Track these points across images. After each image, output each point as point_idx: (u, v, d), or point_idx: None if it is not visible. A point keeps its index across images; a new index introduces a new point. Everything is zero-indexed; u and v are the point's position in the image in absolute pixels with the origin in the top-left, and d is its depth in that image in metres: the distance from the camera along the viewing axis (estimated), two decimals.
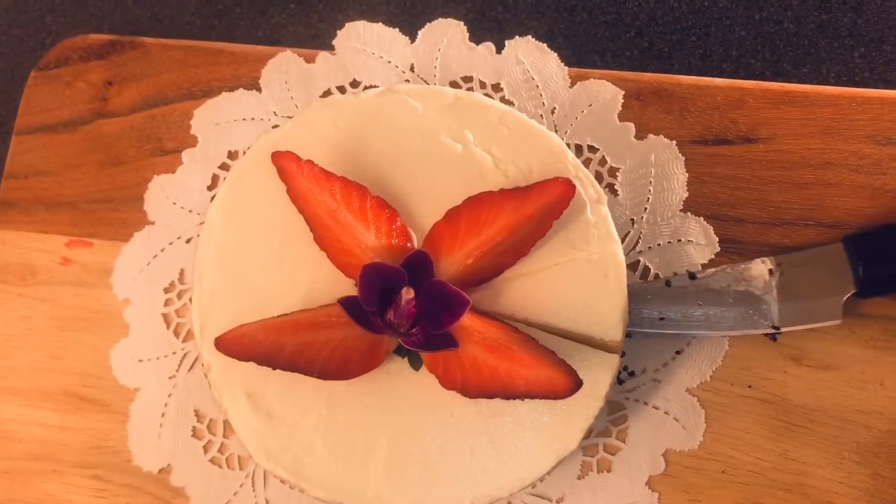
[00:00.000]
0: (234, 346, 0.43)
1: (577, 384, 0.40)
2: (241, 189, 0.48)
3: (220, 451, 0.51)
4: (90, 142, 0.57)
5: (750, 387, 0.50)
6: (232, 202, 0.47)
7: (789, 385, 0.49)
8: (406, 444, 0.44)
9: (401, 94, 0.48)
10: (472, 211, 0.43)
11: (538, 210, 0.43)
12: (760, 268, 0.49)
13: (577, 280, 0.45)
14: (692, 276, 0.49)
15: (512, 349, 0.41)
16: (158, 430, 0.52)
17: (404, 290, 0.42)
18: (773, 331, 0.48)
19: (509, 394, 0.41)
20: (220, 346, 0.43)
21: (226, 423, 0.49)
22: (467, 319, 0.43)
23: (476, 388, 0.42)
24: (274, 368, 0.43)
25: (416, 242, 0.45)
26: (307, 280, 0.46)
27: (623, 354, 0.49)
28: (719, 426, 0.49)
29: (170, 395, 0.52)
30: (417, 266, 0.43)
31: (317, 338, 0.43)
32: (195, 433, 0.52)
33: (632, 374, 0.50)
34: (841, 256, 0.48)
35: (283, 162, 0.44)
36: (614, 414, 0.50)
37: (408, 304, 0.42)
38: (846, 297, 0.48)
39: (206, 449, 0.51)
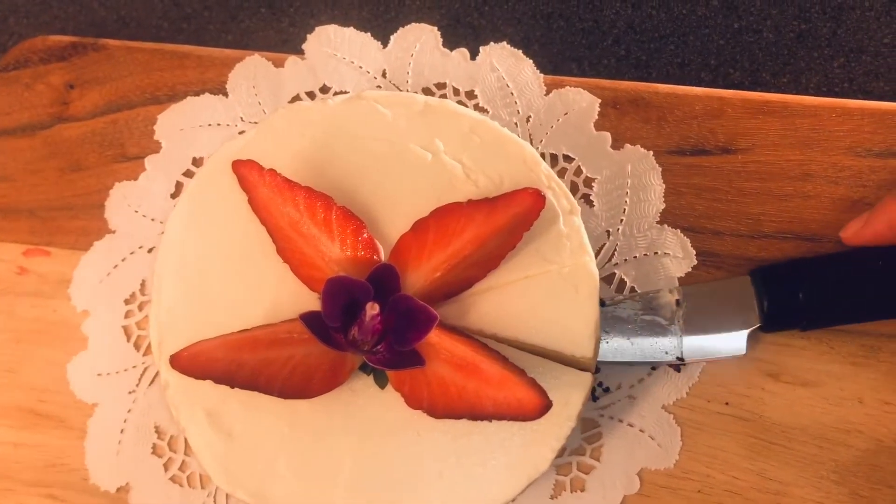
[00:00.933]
0: (191, 364, 0.41)
1: (546, 405, 0.39)
2: (202, 198, 0.46)
3: (180, 469, 0.50)
4: (50, 147, 0.55)
5: (727, 404, 0.48)
6: (193, 212, 0.46)
7: (767, 402, 0.48)
8: (371, 464, 0.43)
9: (369, 101, 0.47)
10: (439, 222, 0.42)
11: (508, 221, 0.41)
12: (668, 297, 0.48)
13: (548, 294, 0.43)
14: (602, 303, 0.47)
15: (480, 368, 0.40)
16: (117, 447, 0.50)
17: (369, 305, 0.41)
18: (678, 363, 0.47)
19: (477, 414, 0.40)
20: (175, 365, 0.41)
21: (187, 440, 0.48)
22: (435, 336, 0.41)
23: (443, 408, 0.41)
24: (232, 387, 0.41)
25: (384, 255, 0.44)
26: (271, 294, 0.44)
27: (598, 371, 0.48)
28: (695, 444, 0.48)
29: (129, 411, 0.50)
30: (383, 280, 0.42)
31: (277, 355, 0.41)
32: (155, 450, 0.50)
33: (606, 390, 0.49)
34: (747, 289, 0.47)
35: (245, 171, 0.42)
36: (588, 431, 0.48)
37: (372, 319, 0.41)
38: (750, 330, 0.47)
39: (166, 467, 0.50)
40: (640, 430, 0.48)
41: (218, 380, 0.41)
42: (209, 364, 0.41)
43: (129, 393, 0.51)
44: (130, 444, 0.50)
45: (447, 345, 0.41)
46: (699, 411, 0.49)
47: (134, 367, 0.51)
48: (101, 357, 0.51)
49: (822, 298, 0.47)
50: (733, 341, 0.47)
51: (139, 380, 0.51)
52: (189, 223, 0.45)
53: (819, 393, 0.48)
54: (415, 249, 0.42)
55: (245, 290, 0.45)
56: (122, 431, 0.50)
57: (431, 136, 0.46)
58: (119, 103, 0.55)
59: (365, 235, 0.43)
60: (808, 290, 0.46)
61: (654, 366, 0.49)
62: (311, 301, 0.43)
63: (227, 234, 0.45)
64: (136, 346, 0.51)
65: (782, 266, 0.48)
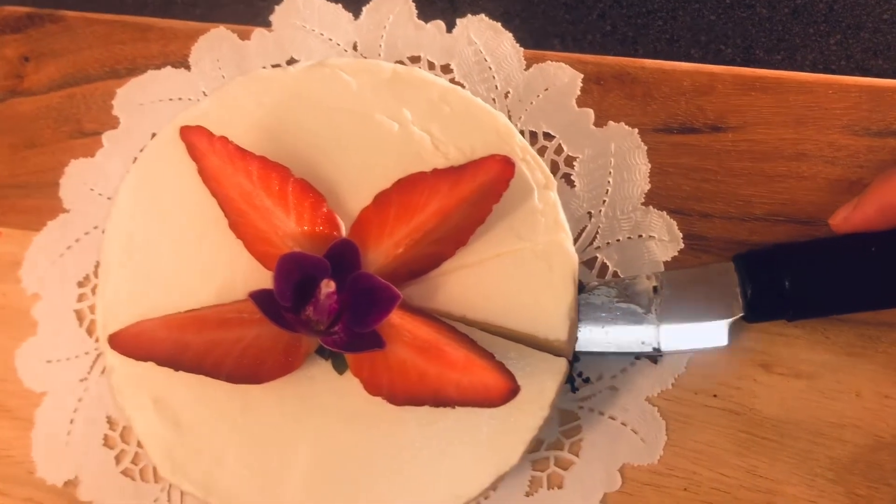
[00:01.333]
0: (132, 344, 0.38)
1: (513, 390, 0.36)
2: (153, 171, 0.43)
3: (133, 461, 0.46)
4: (2, 122, 0.52)
5: (715, 396, 0.45)
6: (143, 186, 0.43)
7: (758, 394, 0.45)
8: (328, 456, 0.40)
9: (333, 69, 0.44)
10: (402, 195, 0.39)
11: (474, 191, 0.38)
12: (645, 284, 0.45)
13: (521, 273, 0.40)
14: (581, 287, 0.44)
15: (444, 351, 0.37)
16: (66, 438, 0.47)
17: (324, 282, 0.38)
18: (655, 353, 0.44)
19: (440, 400, 0.37)
20: (115, 345, 0.38)
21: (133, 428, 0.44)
22: (396, 317, 0.38)
23: (403, 394, 0.38)
24: (177, 370, 0.38)
25: (345, 231, 0.41)
26: (224, 273, 0.42)
27: (577, 360, 0.45)
28: (681, 439, 0.45)
29: (80, 400, 0.47)
30: (342, 257, 0.39)
31: (225, 336, 0.38)
32: (107, 442, 0.47)
33: (587, 380, 0.46)
34: (730, 276, 0.44)
35: (194, 138, 0.40)
36: (567, 424, 0.45)
37: (328, 298, 0.38)
38: (732, 320, 0.43)
39: (118, 460, 0.47)
40: (623, 424, 0.45)
41: (161, 362, 0.38)
42: (151, 345, 0.38)
43: (81, 381, 0.48)
44: (80, 435, 0.47)
45: (410, 326, 0.38)
46: (686, 404, 0.45)
47: (86, 353, 0.48)
48: (52, 343, 0.48)
49: (809, 287, 0.43)
50: (714, 332, 0.44)
51: (91, 367, 0.48)
52: (138, 197, 0.43)
53: (814, 385, 0.45)
54: (376, 224, 0.39)
55: (196, 268, 0.42)
56: (71, 422, 0.47)
57: (399, 106, 0.43)
58: (77, 77, 0.53)
59: (324, 210, 0.40)
60: (795, 277, 0.43)
61: (636, 356, 0.46)
62: (265, 280, 0.40)
63: (178, 209, 0.42)
64: (89, 332, 0.48)
65: (767, 251, 0.45)
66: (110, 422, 0.47)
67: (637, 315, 0.44)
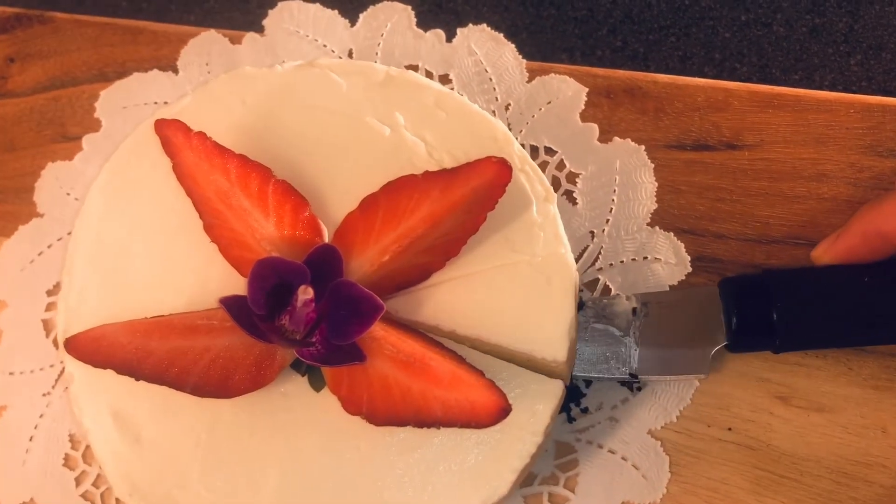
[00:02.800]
0: (90, 348, 0.35)
1: (504, 409, 0.32)
2: (127, 170, 0.40)
3: (94, 484, 0.43)
4: None
5: (729, 429, 0.42)
6: (115, 184, 0.40)
7: (776, 429, 0.41)
8: (300, 481, 0.36)
9: (322, 69, 0.41)
10: (390, 198, 0.36)
11: (467, 195, 0.35)
12: (624, 305, 0.41)
13: (516, 286, 0.37)
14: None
15: (429, 366, 0.34)
16: (24, 456, 0.44)
17: (301, 288, 0.34)
18: (631, 379, 0.41)
19: (423, 420, 0.34)
20: (72, 349, 0.35)
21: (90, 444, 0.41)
22: (379, 329, 0.35)
23: (384, 412, 0.34)
24: (137, 379, 0.35)
25: (328, 239, 0.38)
26: (196, 279, 0.39)
27: (574, 386, 0.41)
28: (691, 475, 0.41)
29: (41, 416, 0.44)
30: (323, 263, 0.36)
31: (193, 345, 0.35)
32: (67, 462, 0.43)
33: (584, 410, 0.43)
34: (714, 302, 0.40)
35: (169, 132, 0.37)
36: (563, 458, 0.42)
37: (305, 306, 0.35)
38: (715, 349, 0.40)
39: (78, 481, 0.43)
40: (623, 458, 0.41)
41: (121, 370, 0.35)
42: (111, 350, 0.35)
43: (44, 395, 0.44)
44: (39, 453, 0.44)
45: (393, 339, 0.35)
46: (697, 437, 0.42)
47: (51, 366, 0.45)
48: (15, 353, 0.45)
49: (798, 318, 0.40)
50: (695, 360, 0.40)
51: (56, 381, 0.45)
52: (110, 196, 0.40)
53: (835, 420, 0.41)
54: (362, 230, 0.37)
55: (167, 274, 0.39)
56: (31, 439, 0.44)
57: (391, 110, 0.41)
58: (63, 79, 0.51)
59: (307, 214, 0.37)
60: (784, 307, 0.39)
61: (638, 385, 0.42)
62: (240, 288, 0.37)
63: (151, 210, 0.40)
64: (56, 344, 0.45)
65: (755, 277, 0.41)
66: (72, 440, 0.44)
67: (614, 338, 0.41)
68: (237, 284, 0.37)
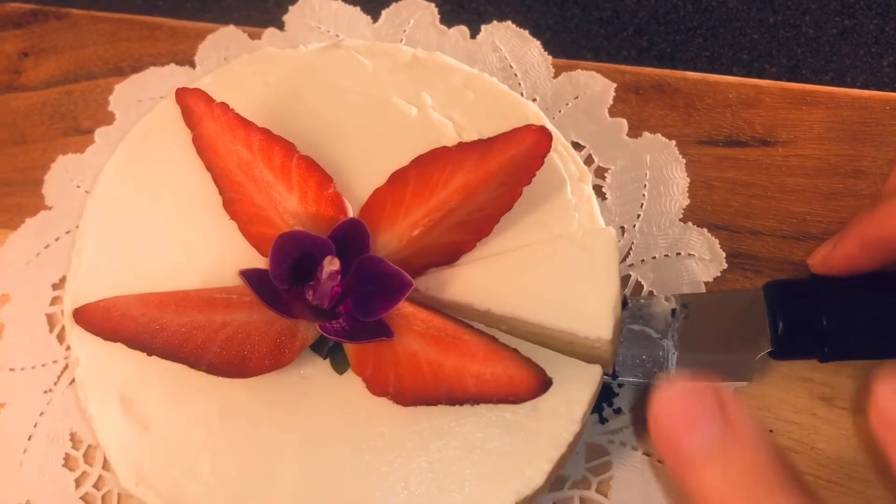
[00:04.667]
0: (100, 319, 0.33)
1: (544, 382, 0.30)
2: (144, 147, 0.39)
3: (95, 486, 0.40)
4: None
5: (771, 431, 0.39)
6: (131, 161, 0.39)
7: (820, 431, 0.39)
8: (319, 470, 0.33)
9: (348, 51, 0.40)
10: (421, 171, 0.35)
11: (504, 165, 0.34)
12: (663, 306, 0.39)
13: (555, 264, 0.35)
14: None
15: (462, 339, 0.32)
16: (21, 456, 0.41)
17: (327, 259, 0.33)
18: None
19: (456, 397, 0.31)
20: (80, 319, 0.33)
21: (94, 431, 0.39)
22: (407, 306, 0.33)
23: (413, 391, 0.32)
24: (149, 354, 0.33)
25: (354, 215, 0.36)
26: (212, 260, 0.37)
27: (615, 375, 0.39)
28: None
29: (42, 414, 0.42)
30: (349, 238, 0.34)
31: (210, 319, 0.33)
32: (67, 462, 0.41)
33: (618, 411, 0.40)
34: (759, 306, 0.38)
35: (190, 101, 0.36)
36: (595, 460, 0.39)
37: (330, 279, 0.33)
38: (759, 356, 0.37)
39: (78, 483, 0.41)
40: (658, 461, 0.39)
41: (131, 343, 0.33)
42: (123, 322, 0.33)
43: (45, 392, 0.42)
44: (38, 453, 0.41)
45: (422, 315, 0.33)
46: None
47: (54, 361, 0.43)
48: (17, 349, 0.43)
49: (851, 326, 0.37)
50: (737, 366, 0.38)
51: (58, 378, 0.42)
52: (125, 173, 0.38)
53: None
54: (390, 205, 0.35)
55: (182, 253, 0.37)
56: (29, 438, 0.41)
57: (418, 90, 0.39)
58: (77, 73, 0.49)
59: (331, 191, 0.36)
60: (835, 313, 0.37)
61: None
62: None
63: (167, 187, 0.38)
64: (60, 339, 0.43)
65: (803, 281, 0.39)
66: (73, 439, 0.41)
67: (651, 340, 0.39)
68: (256, 265, 0.35)
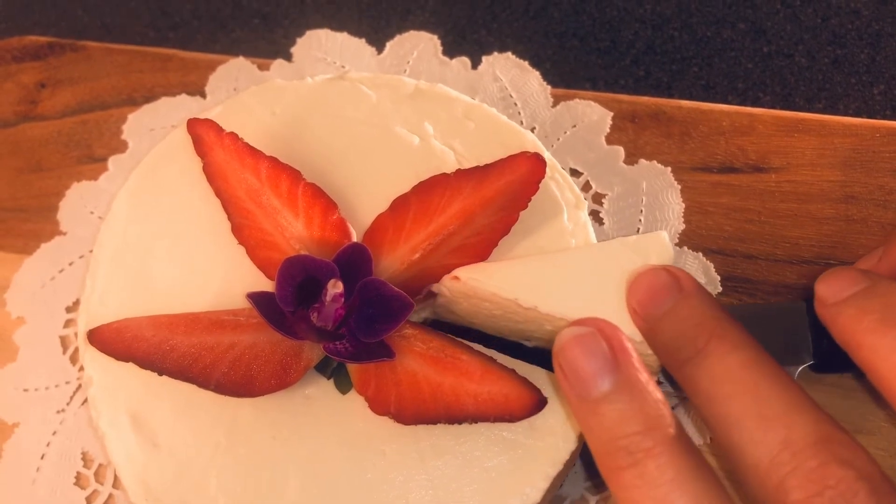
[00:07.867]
0: (113, 340, 0.34)
1: (539, 402, 0.31)
2: (155, 175, 0.40)
3: None
4: (10, 145, 0.51)
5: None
6: (143, 188, 0.40)
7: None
8: (322, 488, 0.34)
9: (352, 82, 0.42)
10: (421, 197, 0.36)
11: (500, 191, 0.35)
12: None
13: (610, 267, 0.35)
14: None
15: (460, 360, 0.33)
16: (34, 474, 0.42)
17: (331, 282, 0.34)
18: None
19: (454, 416, 0.32)
20: (94, 340, 0.34)
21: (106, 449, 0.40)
22: (408, 327, 0.34)
23: (413, 410, 0.33)
24: (160, 374, 0.34)
25: (358, 240, 0.37)
26: (220, 283, 0.38)
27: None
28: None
29: (54, 433, 0.43)
30: (353, 262, 0.35)
31: (218, 341, 0.34)
32: (78, 481, 0.42)
33: None
34: (801, 319, 0.38)
35: (201, 130, 0.37)
36: (594, 478, 0.40)
37: (334, 301, 0.34)
38: (801, 368, 0.38)
39: (88, 501, 0.41)
40: None
41: (142, 363, 0.34)
42: (134, 343, 0.34)
43: (58, 412, 0.43)
44: (51, 471, 0.42)
45: (422, 336, 0.34)
46: None
47: (67, 382, 0.44)
48: (31, 370, 0.44)
49: None
50: None
51: (71, 398, 0.43)
52: (137, 200, 0.40)
53: (875, 443, 0.40)
54: (392, 229, 0.36)
55: (191, 277, 0.38)
56: (42, 457, 0.42)
57: (420, 120, 0.41)
58: (92, 104, 0.51)
59: (336, 217, 0.37)
60: None
61: (680, 396, 0.41)
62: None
63: (178, 213, 0.39)
64: (73, 360, 0.44)
65: None
66: (85, 459, 0.42)
67: None
68: (263, 288, 0.37)
